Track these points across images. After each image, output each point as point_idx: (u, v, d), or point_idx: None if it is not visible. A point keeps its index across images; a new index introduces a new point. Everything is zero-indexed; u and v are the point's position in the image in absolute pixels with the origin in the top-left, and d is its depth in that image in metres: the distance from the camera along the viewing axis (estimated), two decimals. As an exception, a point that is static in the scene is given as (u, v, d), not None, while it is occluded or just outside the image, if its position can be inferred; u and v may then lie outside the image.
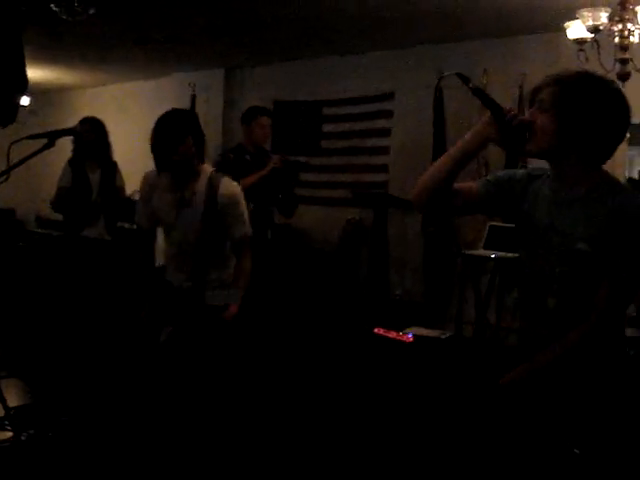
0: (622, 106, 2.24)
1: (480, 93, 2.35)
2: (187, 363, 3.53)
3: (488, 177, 2.51)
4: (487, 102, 2.32)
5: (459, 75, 2.36)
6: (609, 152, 2.27)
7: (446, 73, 2.62)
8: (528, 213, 2.36)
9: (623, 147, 6.39)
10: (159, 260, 3.90)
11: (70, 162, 5.76)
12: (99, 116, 5.98)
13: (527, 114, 2.33)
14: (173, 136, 3.48)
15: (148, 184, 3.73)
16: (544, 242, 2.30)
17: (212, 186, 3.56)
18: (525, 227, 2.38)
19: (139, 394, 3.89)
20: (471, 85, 2.33)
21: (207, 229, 3.54)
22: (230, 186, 3.64)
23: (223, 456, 3.66)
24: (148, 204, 3.72)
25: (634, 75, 5.11)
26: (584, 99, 2.19)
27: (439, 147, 7.30)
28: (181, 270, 3.63)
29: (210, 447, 3.62)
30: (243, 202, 3.68)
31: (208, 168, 3.67)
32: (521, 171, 2.47)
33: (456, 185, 2.43)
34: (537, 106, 2.28)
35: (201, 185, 3.57)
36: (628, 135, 6.74)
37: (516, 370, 2.31)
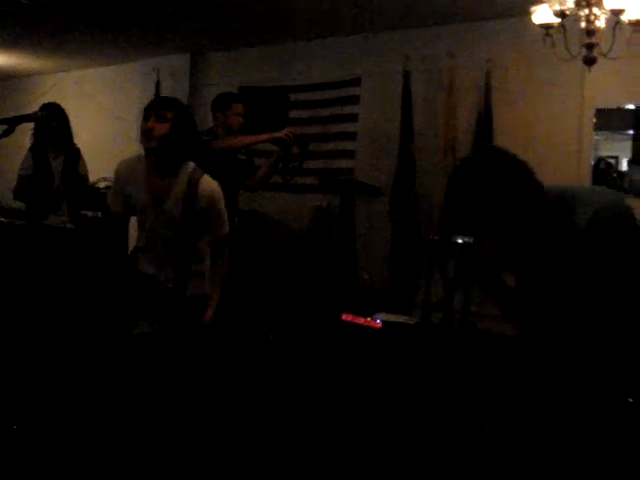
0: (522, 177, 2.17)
1: None
2: (173, 358, 3.48)
3: None
4: None
5: None
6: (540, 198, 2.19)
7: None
8: None
9: (590, 133, 6.47)
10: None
11: (31, 149, 5.66)
12: (62, 102, 5.86)
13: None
14: (159, 104, 3.42)
15: (125, 170, 3.58)
16: None
17: (191, 183, 3.43)
18: None
19: (113, 389, 3.84)
20: None
21: (186, 227, 3.45)
22: (210, 184, 3.53)
23: (198, 444, 3.63)
24: (122, 190, 3.57)
25: (600, 60, 5.13)
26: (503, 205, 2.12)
27: (406, 132, 7.30)
28: (158, 264, 3.54)
29: (186, 435, 3.58)
30: (222, 200, 3.59)
31: (189, 168, 3.51)
32: None
33: None
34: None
35: (181, 180, 3.45)
36: (594, 120, 6.79)
37: None
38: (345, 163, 8.07)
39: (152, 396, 3.47)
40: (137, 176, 3.51)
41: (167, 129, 3.35)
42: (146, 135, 3.37)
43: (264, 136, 5.38)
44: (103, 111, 10.24)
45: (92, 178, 6.17)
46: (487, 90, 6.89)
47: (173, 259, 3.48)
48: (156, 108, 3.40)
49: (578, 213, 2.14)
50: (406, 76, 7.36)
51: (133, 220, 3.68)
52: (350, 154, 8.07)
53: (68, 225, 5.65)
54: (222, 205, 3.59)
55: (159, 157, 3.42)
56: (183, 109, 3.48)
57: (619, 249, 2.09)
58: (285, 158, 5.45)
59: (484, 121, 6.84)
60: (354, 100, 8.05)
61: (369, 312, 5.88)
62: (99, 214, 6.78)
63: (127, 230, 3.76)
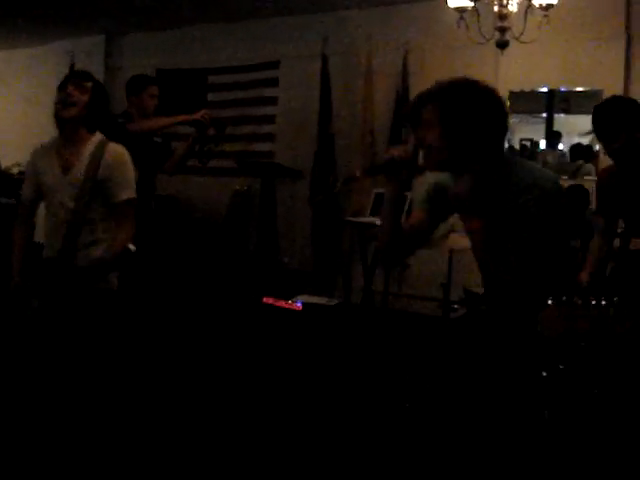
0: (499, 107, 2.40)
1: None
2: (56, 337, 3.38)
3: (422, 200, 2.65)
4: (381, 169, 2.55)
5: None
6: (498, 142, 2.44)
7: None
8: None
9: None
10: (39, 237, 3.72)
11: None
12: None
13: (410, 139, 2.46)
14: (77, 75, 3.44)
15: (39, 152, 3.54)
16: None
17: (98, 151, 3.40)
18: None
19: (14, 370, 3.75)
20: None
21: (85, 194, 3.38)
22: (117, 149, 3.47)
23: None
24: (34, 171, 3.52)
25: (512, 43, 5.24)
26: (465, 112, 2.33)
27: (325, 115, 7.32)
28: (55, 240, 3.46)
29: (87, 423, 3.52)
30: (130, 166, 3.49)
31: (98, 136, 3.48)
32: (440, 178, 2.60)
33: (406, 226, 2.62)
34: (424, 125, 2.39)
35: (87, 149, 3.41)
36: (509, 103, 6.92)
37: None
38: (265, 146, 8.07)
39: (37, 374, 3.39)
40: (50, 153, 3.48)
41: (88, 98, 3.37)
42: (64, 103, 3.34)
43: (180, 117, 5.31)
44: (15, 95, 9.95)
45: (5, 164, 6.01)
46: (404, 73, 6.96)
47: (75, 237, 3.40)
48: (75, 78, 3.42)
49: (523, 180, 2.37)
50: (324, 59, 7.39)
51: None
52: (270, 137, 8.07)
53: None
54: (126, 169, 3.47)
55: (75, 126, 3.40)
56: (99, 82, 3.53)
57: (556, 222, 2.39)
58: (202, 140, 5.40)
59: (402, 104, 6.92)
60: (273, 83, 8.04)
61: (291, 295, 5.90)
62: (13, 200, 6.62)
63: (33, 217, 3.67)
